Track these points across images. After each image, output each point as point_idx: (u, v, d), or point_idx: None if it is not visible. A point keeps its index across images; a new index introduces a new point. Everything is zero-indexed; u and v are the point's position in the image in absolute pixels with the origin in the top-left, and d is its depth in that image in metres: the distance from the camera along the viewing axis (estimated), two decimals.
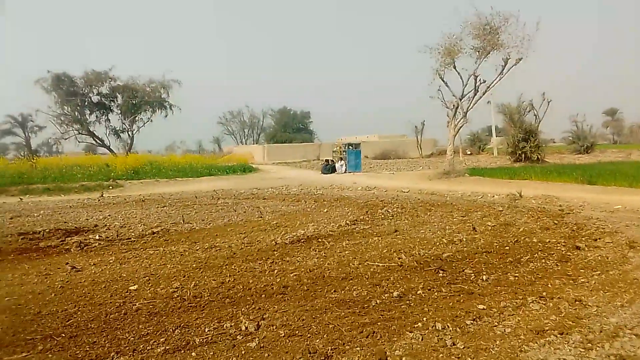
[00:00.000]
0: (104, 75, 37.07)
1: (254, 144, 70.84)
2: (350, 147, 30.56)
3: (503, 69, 21.90)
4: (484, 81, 22.36)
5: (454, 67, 22.37)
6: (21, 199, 18.82)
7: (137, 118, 39.13)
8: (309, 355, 3.77)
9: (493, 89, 23.09)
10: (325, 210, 12.18)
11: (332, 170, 29.51)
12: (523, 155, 29.62)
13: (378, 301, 5.02)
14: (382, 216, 10.88)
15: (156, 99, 38.87)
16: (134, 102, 37.71)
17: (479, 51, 21.96)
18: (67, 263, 7.12)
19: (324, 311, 4.76)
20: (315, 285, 5.64)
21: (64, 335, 4.35)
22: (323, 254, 7.23)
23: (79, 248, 8.28)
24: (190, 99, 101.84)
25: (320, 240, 8.32)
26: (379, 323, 4.39)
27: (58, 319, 4.76)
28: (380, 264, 6.51)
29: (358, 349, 3.87)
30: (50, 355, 3.93)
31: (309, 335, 4.19)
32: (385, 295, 5.21)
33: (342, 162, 29.95)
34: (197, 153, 60.49)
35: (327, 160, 31.28)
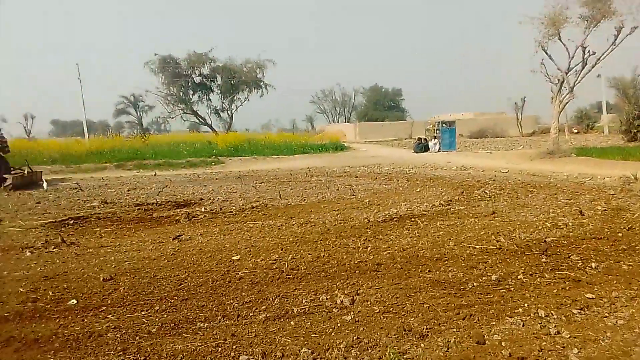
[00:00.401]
0: (204, 57, 38.94)
1: (345, 122, 71.07)
2: (444, 125, 29.61)
3: (615, 39, 19.75)
4: (594, 53, 20.32)
5: (559, 38, 20.61)
6: (153, 173, 20.57)
7: (235, 97, 40.78)
8: (403, 332, 3.80)
9: (604, 61, 20.90)
10: (418, 190, 12.00)
11: (425, 149, 28.87)
12: (639, 134, 26.87)
13: (475, 284, 4.90)
14: (479, 197, 10.51)
15: (252, 79, 40.16)
16: (232, 82, 39.29)
17: (587, 20, 19.98)
18: (174, 238, 7.70)
19: (418, 290, 4.75)
20: (409, 265, 5.63)
21: (176, 298, 4.76)
22: (416, 234, 7.17)
23: (187, 219, 8.94)
24: (284, 79, 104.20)
25: (413, 219, 8.24)
26: (476, 306, 4.30)
27: (171, 283, 5.21)
28: (477, 246, 6.33)
29: (454, 330, 3.84)
30: (165, 315, 4.32)
31: (403, 313, 4.22)
32: (483, 278, 5.08)
33: (436, 140, 29.15)
34: (291, 131, 61.95)
35: (419, 139, 30.62)
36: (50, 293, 5.01)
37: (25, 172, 16.71)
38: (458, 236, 6.91)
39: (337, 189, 12.73)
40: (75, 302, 4.72)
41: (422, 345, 3.60)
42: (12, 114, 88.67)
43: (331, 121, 75.93)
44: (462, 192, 11.18)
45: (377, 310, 4.27)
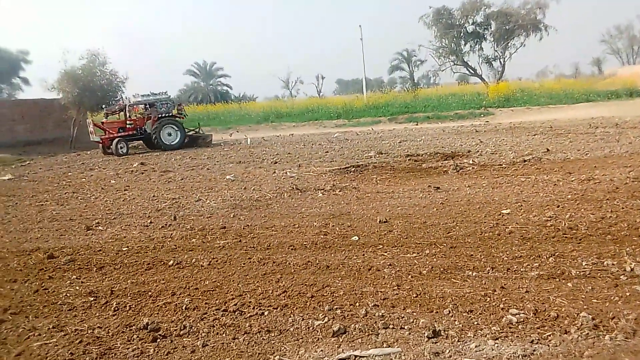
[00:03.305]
0: (478, 4, 37.16)
1: None
2: None
3: None
4: None
5: None
6: (416, 124, 21.58)
7: (509, 44, 38.02)
8: None
9: None
10: None
11: None
12: None
13: None
14: None
15: (530, 22, 36.60)
16: (507, 27, 36.63)
17: None
18: (430, 185, 7.87)
19: None
20: None
21: (445, 244, 4.94)
22: None
23: (455, 170, 9.03)
24: (569, 18, 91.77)
25: None
26: None
27: (440, 230, 5.42)
28: None
29: None
30: (435, 259, 4.55)
31: None
32: None
33: None
34: (572, 77, 54.62)
35: None
36: (337, 229, 5.82)
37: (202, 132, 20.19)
38: None
39: (630, 142, 10.86)
40: (357, 238, 5.38)
41: None
42: (307, 76, 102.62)
43: (625, 63, 63.73)
44: None
45: None
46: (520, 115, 22.22)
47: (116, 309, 3.91)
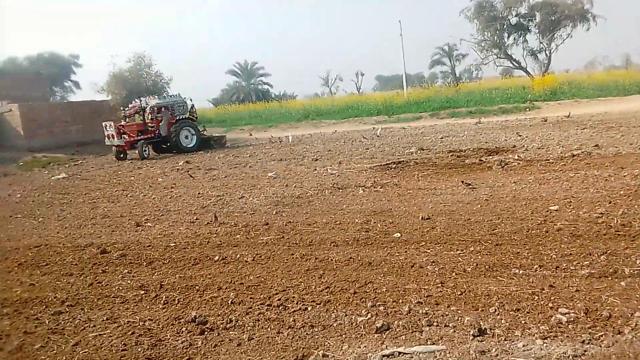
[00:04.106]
0: None
1: None
2: None
3: None
4: None
5: None
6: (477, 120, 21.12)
7: (555, 35, 36.68)
8: None
9: None
10: None
11: None
12: None
13: None
14: None
15: (577, 12, 35.17)
16: (552, 18, 35.35)
17: None
18: (463, 182, 7.70)
19: None
20: None
21: (490, 242, 4.84)
22: None
23: (500, 166, 8.81)
24: (618, 7, 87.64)
25: None
26: None
27: (484, 227, 5.32)
28: None
29: None
30: (479, 257, 4.47)
31: None
32: None
33: None
34: (623, 68, 52.06)
35: None
36: (379, 225, 5.80)
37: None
38: None
39: None
40: (399, 235, 5.35)
41: None
42: (347, 73, 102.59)
43: None
44: None
45: None
46: (567, 109, 21.37)
47: (165, 302, 4.05)
